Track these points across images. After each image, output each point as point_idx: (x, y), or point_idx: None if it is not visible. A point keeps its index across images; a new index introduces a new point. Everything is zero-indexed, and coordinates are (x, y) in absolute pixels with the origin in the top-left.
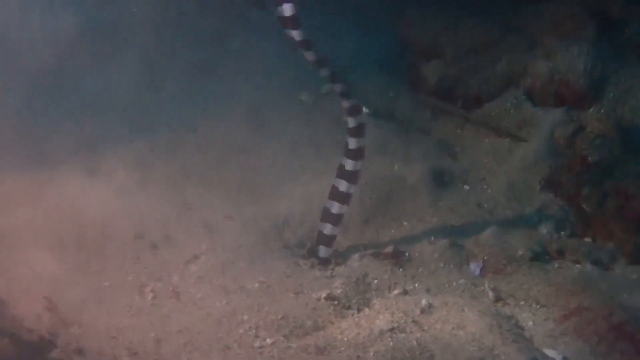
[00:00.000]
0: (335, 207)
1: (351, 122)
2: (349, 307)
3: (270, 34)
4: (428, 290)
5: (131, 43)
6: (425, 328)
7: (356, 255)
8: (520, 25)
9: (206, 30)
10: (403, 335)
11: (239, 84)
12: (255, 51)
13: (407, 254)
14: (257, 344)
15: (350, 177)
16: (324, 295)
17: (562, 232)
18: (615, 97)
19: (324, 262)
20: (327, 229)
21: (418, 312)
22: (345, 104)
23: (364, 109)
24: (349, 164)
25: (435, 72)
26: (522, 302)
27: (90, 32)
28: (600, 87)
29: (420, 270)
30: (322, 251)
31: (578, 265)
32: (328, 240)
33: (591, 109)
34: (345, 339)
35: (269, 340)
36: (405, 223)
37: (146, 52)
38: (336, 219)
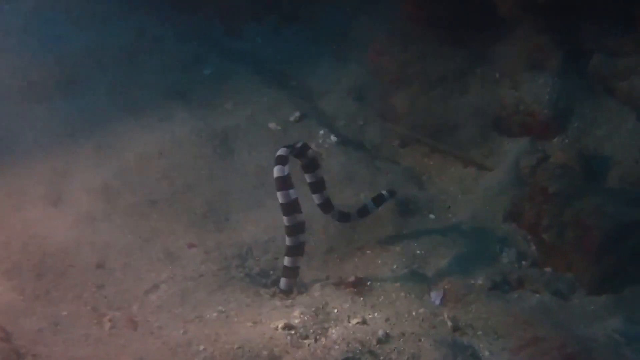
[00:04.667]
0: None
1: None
2: (307, 337)
3: (243, 62)
4: (387, 320)
5: (102, 69)
6: (381, 358)
7: (318, 285)
8: (490, 55)
9: (179, 56)
10: None
11: (209, 110)
12: (227, 78)
13: (369, 282)
14: None
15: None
16: (281, 325)
17: (524, 262)
18: (580, 128)
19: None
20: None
21: (375, 342)
22: None
23: (332, 137)
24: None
25: (404, 101)
26: (480, 332)
27: (62, 58)
28: (565, 117)
29: (381, 299)
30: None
31: (537, 295)
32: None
33: (555, 139)
34: None
35: None
36: (368, 252)
37: (117, 78)
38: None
